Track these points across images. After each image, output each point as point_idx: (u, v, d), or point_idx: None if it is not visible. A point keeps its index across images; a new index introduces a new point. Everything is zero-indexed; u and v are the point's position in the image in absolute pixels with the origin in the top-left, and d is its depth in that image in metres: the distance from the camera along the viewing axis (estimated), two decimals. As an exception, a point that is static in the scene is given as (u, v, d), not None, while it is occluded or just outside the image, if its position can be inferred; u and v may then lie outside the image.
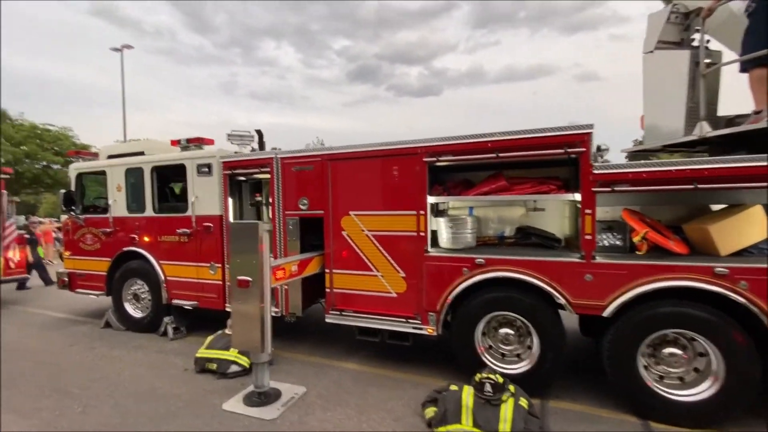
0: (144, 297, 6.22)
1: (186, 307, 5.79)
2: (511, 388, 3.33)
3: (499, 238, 4.71)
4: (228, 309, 5.43)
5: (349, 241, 4.64)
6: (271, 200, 5.15)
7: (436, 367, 4.60)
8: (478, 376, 3.34)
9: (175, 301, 5.87)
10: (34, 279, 10.37)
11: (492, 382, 3.23)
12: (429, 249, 4.25)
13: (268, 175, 5.29)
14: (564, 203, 4.73)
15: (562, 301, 3.68)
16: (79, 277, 6.80)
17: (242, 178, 5.58)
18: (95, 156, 6.92)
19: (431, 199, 4.30)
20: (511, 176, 4.29)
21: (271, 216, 5.84)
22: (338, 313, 4.74)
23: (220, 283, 5.51)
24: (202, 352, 4.66)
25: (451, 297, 4.10)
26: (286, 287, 5.01)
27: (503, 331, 4.07)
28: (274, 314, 4.75)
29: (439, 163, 4.18)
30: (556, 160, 4.08)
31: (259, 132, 5.95)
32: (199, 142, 5.78)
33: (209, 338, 4.85)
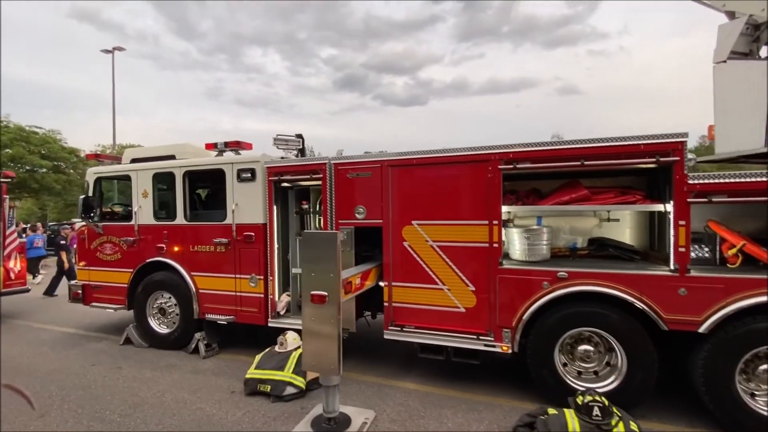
0: (171, 311, 5.78)
1: (221, 322, 5.40)
2: (616, 410, 3.11)
3: (571, 250, 4.53)
4: (271, 324, 5.08)
5: (411, 252, 4.39)
6: (321, 208, 4.86)
7: (502, 385, 4.35)
8: (580, 399, 3.12)
9: (208, 316, 5.46)
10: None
11: (600, 405, 3.02)
12: (503, 261, 4.03)
13: (315, 182, 5.02)
14: (630, 213, 4.60)
15: (654, 316, 3.51)
16: (94, 290, 6.31)
17: (287, 185, 5.27)
18: (117, 159, 6.50)
19: (505, 209, 4.10)
20: (587, 186, 4.14)
21: (318, 225, 5.56)
22: (398, 328, 4.46)
23: (261, 296, 5.16)
24: (253, 373, 4.29)
25: (529, 312, 3.89)
26: (338, 301, 4.70)
27: (583, 348, 3.87)
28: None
29: (515, 171, 3.99)
30: (628, 169, 3.99)
31: (300, 137, 5.66)
32: (236, 146, 5.48)
33: (258, 357, 4.48)
